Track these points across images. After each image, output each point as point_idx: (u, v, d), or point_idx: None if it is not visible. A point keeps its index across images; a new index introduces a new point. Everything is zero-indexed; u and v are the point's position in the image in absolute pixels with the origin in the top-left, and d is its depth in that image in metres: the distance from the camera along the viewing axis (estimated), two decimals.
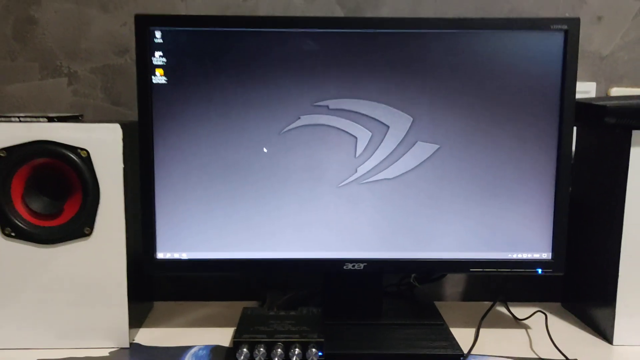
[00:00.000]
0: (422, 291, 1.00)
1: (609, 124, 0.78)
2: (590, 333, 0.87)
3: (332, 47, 0.80)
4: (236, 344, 0.73)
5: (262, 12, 0.99)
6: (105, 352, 0.79)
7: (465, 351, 0.79)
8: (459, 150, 0.82)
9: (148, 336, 0.85)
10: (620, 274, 0.81)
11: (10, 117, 0.77)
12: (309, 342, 0.74)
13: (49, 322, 0.79)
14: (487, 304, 0.95)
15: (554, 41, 0.80)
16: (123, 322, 0.79)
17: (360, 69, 0.80)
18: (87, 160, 0.76)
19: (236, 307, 0.89)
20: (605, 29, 1.02)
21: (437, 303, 0.96)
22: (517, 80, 0.81)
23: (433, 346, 0.79)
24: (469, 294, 1.05)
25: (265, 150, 0.81)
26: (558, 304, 0.99)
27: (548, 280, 1.01)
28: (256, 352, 0.72)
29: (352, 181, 0.82)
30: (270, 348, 0.73)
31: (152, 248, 0.82)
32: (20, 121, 0.76)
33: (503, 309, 0.96)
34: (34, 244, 0.77)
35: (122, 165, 0.77)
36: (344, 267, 0.84)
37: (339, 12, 1.00)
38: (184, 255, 0.83)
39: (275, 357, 0.72)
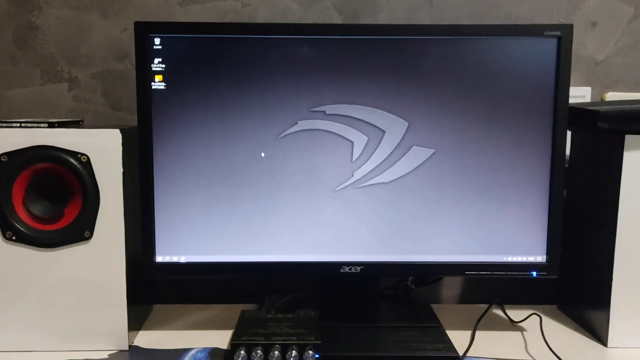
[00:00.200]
0: (419, 294, 1.01)
1: (602, 129, 0.79)
2: (585, 335, 0.88)
3: (329, 53, 0.81)
4: (234, 346, 0.74)
5: (260, 18, 1.00)
6: (104, 355, 0.80)
7: (461, 353, 0.80)
8: (454, 154, 0.83)
9: (147, 339, 0.86)
10: (614, 277, 0.82)
11: (12, 122, 0.78)
12: (306, 344, 0.74)
13: (49, 324, 0.79)
14: (484, 306, 0.96)
15: (547, 47, 0.81)
16: (122, 325, 0.80)
17: (356, 74, 0.81)
18: (87, 165, 0.77)
19: (235, 310, 0.90)
20: (600, 34, 1.03)
21: (434, 306, 0.97)
22: (511, 86, 0.82)
23: (429, 348, 0.80)
24: (466, 297, 1.06)
25: (262, 154, 0.83)
26: (554, 307, 1.00)
27: (544, 283, 1.02)
28: (253, 354, 0.73)
29: (348, 185, 0.83)
30: (267, 350, 0.74)
31: (152, 251, 0.83)
32: (21, 126, 0.77)
33: (499, 312, 0.96)
34: (35, 247, 0.78)
35: (121, 170, 0.78)
36: (341, 270, 0.85)
37: (336, 19, 1.01)
38: (183, 259, 0.84)
39: (272, 359, 0.73)
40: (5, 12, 0.99)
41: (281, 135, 0.82)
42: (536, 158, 0.83)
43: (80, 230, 0.78)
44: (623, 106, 0.80)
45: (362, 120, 0.82)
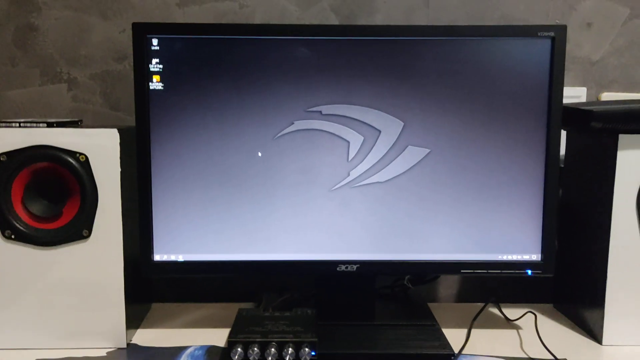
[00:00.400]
0: (416, 293, 1.02)
1: (596, 128, 0.80)
2: (580, 333, 0.89)
3: (325, 54, 0.82)
4: (231, 343, 0.75)
5: (258, 19, 1.01)
6: (102, 352, 0.80)
7: (457, 351, 0.80)
8: (449, 154, 0.83)
9: (145, 337, 0.86)
10: (608, 275, 0.83)
11: (11, 122, 0.79)
12: (303, 342, 0.75)
13: (47, 322, 0.80)
14: (480, 305, 0.97)
15: (542, 48, 0.81)
16: (120, 323, 0.81)
17: (352, 75, 0.82)
18: (86, 164, 0.78)
19: (232, 309, 0.90)
20: (595, 35, 1.04)
21: (430, 304, 0.97)
22: (505, 86, 0.82)
23: (425, 346, 0.80)
24: (463, 296, 1.07)
25: (259, 154, 0.83)
26: (550, 306, 1.00)
27: (540, 282, 1.03)
28: (250, 351, 0.74)
29: (344, 184, 0.84)
30: (264, 348, 0.75)
31: (149, 250, 0.84)
32: (20, 126, 0.78)
33: (495, 310, 0.97)
34: (34, 246, 0.78)
35: (119, 170, 0.79)
36: (337, 269, 0.85)
37: (333, 20, 1.02)
38: (181, 258, 0.85)
39: (269, 357, 0.74)
40: (5, 13, 1.00)
41: (278, 135, 0.83)
42: (531, 157, 0.84)
43: (79, 229, 0.79)
44: (616, 106, 0.81)
45: (358, 120, 0.83)
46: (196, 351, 0.82)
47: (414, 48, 0.82)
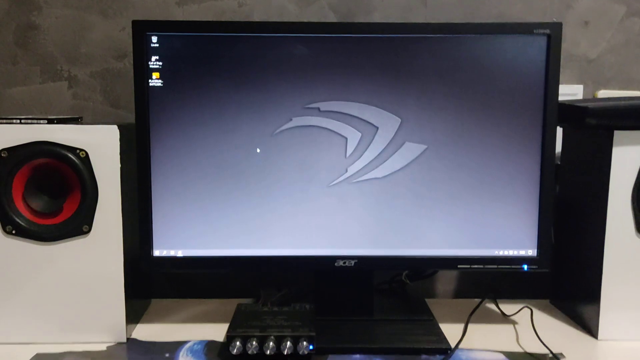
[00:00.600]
0: (414, 289, 1.03)
1: (591, 125, 0.81)
2: (577, 328, 0.90)
3: (323, 51, 0.82)
4: (229, 337, 0.76)
5: (256, 18, 1.02)
6: (102, 347, 0.81)
7: (453, 345, 0.81)
8: (446, 150, 0.84)
9: (145, 332, 0.87)
10: (604, 271, 0.83)
11: (12, 119, 0.79)
12: (301, 336, 0.76)
13: (48, 317, 0.81)
14: (477, 301, 0.97)
15: (537, 45, 0.82)
16: (120, 318, 0.82)
17: (350, 72, 0.83)
18: (86, 160, 0.79)
19: (231, 305, 0.91)
20: (592, 33, 1.05)
21: (428, 300, 0.98)
22: (502, 83, 0.83)
23: (422, 340, 0.81)
24: (460, 292, 1.07)
25: (258, 150, 0.84)
26: (546, 301, 1.01)
27: (536, 278, 1.03)
28: (249, 345, 0.75)
29: (342, 180, 0.85)
30: (262, 342, 0.75)
31: (149, 245, 0.85)
32: (21, 123, 0.79)
33: (492, 306, 0.98)
34: (34, 241, 0.79)
35: (119, 166, 0.79)
36: (335, 264, 0.86)
37: (332, 18, 1.02)
38: (180, 253, 0.86)
39: (267, 351, 0.74)
40: (6, 12, 1.01)
41: (276, 132, 0.84)
42: (527, 154, 0.84)
43: (79, 224, 0.79)
44: (611, 102, 0.81)
45: (356, 117, 0.84)
46: (195, 346, 0.83)
47: (410, 45, 0.82)
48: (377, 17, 1.03)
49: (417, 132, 0.84)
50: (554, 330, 0.89)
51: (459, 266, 0.86)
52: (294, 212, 0.85)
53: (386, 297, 0.98)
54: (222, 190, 0.85)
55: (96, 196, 0.79)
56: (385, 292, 1.01)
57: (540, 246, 0.86)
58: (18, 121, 0.79)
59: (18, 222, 0.78)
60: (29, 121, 0.79)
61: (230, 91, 0.83)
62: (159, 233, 0.85)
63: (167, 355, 0.79)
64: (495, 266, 0.86)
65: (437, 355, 0.79)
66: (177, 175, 0.84)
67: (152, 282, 1.02)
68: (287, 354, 0.75)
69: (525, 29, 0.82)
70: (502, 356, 0.80)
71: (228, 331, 0.77)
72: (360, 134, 0.84)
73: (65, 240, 0.79)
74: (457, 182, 0.85)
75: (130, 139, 0.83)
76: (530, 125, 0.84)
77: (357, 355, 0.79)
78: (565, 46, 1.03)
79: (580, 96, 1.05)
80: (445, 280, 1.07)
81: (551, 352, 0.79)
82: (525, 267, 0.86)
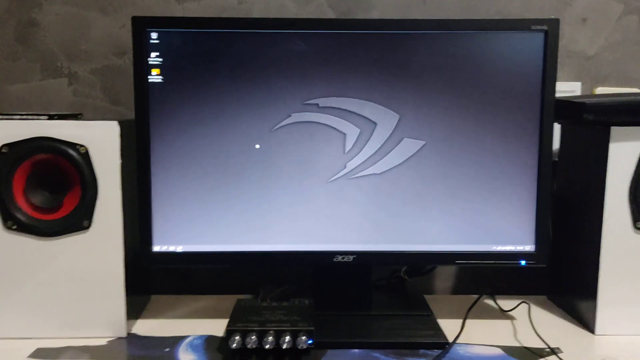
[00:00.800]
0: (412, 285, 1.03)
1: (588, 121, 0.81)
2: (574, 324, 0.90)
3: (322, 48, 0.83)
4: (229, 332, 0.76)
5: (256, 14, 1.02)
6: (103, 342, 0.82)
7: (451, 340, 0.81)
8: (444, 146, 0.85)
9: (145, 327, 0.88)
10: (601, 266, 0.84)
11: (12, 115, 0.80)
12: (300, 331, 0.76)
13: (48, 312, 0.81)
14: (475, 297, 0.98)
15: (535, 41, 0.83)
16: (120, 313, 0.82)
17: (348, 68, 0.83)
18: (86, 156, 0.79)
19: (231, 300, 0.91)
20: (590, 30, 1.05)
21: (426, 296, 0.99)
22: (499, 79, 0.84)
23: (420, 335, 0.82)
24: (459, 288, 1.08)
25: (257, 146, 0.85)
26: (544, 297, 1.02)
27: (534, 274, 1.04)
28: (248, 339, 0.75)
29: (341, 176, 0.85)
30: (261, 336, 0.76)
31: (149, 241, 0.85)
32: (21, 119, 0.79)
33: (490, 302, 0.98)
34: (35, 236, 0.80)
35: (119, 161, 0.80)
36: (334, 259, 0.86)
37: (330, 15, 1.03)
38: (180, 248, 0.86)
39: (266, 345, 0.75)
40: (7, 9, 1.01)
41: (275, 128, 0.84)
42: (524, 150, 0.85)
43: (79, 220, 0.80)
44: (608, 99, 0.82)
45: (355, 113, 0.84)
46: (195, 340, 0.83)
47: (408, 42, 0.83)
48: (375, 14, 1.03)
49: (415, 128, 0.84)
50: (551, 326, 0.89)
51: (457, 261, 0.87)
52: (293, 207, 0.86)
53: (385, 293, 0.99)
54: (222, 186, 0.85)
55: (96, 192, 0.80)
56: (384, 288, 1.01)
57: (537, 242, 0.86)
58: (18, 117, 0.79)
59: (19, 218, 0.79)
60: (30, 117, 0.79)
61: (230, 87, 0.83)
62: (158, 228, 0.85)
63: (167, 349, 0.80)
64: (493, 261, 0.87)
65: (435, 350, 0.79)
66: (176, 170, 0.85)
67: (151, 278, 1.02)
68: (286, 348, 0.75)
69: (522, 25, 0.83)
70: (499, 351, 0.80)
71: (227, 326, 0.77)
72: (359, 130, 0.84)
73: (66, 235, 0.80)
74: (455, 178, 0.85)
75: (130, 135, 0.83)
76: (527, 121, 0.84)
77: (356, 350, 0.79)
78: (563, 43, 1.03)
79: (578, 93, 1.05)
80: (444, 277, 1.08)
81: (548, 346, 0.80)
82: (523, 262, 0.87)
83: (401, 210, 0.86)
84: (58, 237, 0.80)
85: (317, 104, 0.84)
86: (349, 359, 0.77)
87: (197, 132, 0.84)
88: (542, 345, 0.81)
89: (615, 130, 0.80)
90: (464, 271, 1.08)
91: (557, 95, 0.84)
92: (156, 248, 0.86)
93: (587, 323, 0.87)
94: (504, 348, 0.81)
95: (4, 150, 0.78)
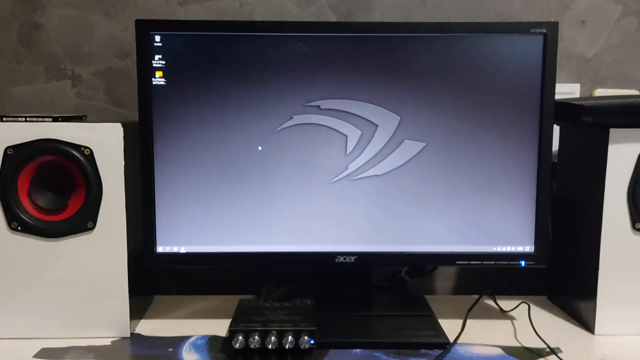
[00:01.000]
0: (413, 286, 1.04)
1: (587, 123, 0.82)
2: (574, 324, 0.91)
3: (323, 50, 0.84)
4: (232, 332, 0.77)
5: (257, 17, 1.03)
6: (107, 342, 0.82)
7: (452, 340, 0.82)
8: (444, 148, 0.85)
9: (148, 327, 0.88)
10: (600, 267, 0.84)
11: (17, 117, 0.81)
12: (302, 331, 0.77)
13: (53, 312, 0.82)
14: (476, 297, 0.98)
15: (534, 44, 0.83)
16: (124, 313, 0.83)
17: (350, 70, 0.84)
18: (90, 157, 0.80)
19: (233, 301, 0.92)
20: (589, 32, 1.06)
21: (427, 297, 0.99)
22: (499, 82, 0.84)
23: (420, 335, 0.83)
24: (459, 289, 1.09)
25: (259, 148, 0.85)
26: (544, 297, 1.02)
27: (534, 275, 1.05)
28: (251, 339, 0.76)
29: (342, 178, 0.86)
30: (264, 336, 0.76)
31: (152, 242, 0.86)
32: (26, 121, 0.80)
33: (490, 302, 0.99)
34: (40, 237, 0.80)
35: (123, 163, 0.80)
36: (336, 260, 0.87)
37: (332, 18, 1.04)
38: (183, 249, 0.87)
39: (269, 345, 0.76)
40: (10, 12, 1.02)
41: (277, 130, 0.85)
42: (524, 151, 0.86)
43: (84, 221, 0.80)
44: (607, 101, 0.83)
45: (356, 115, 0.85)
46: (198, 340, 0.84)
47: (409, 44, 0.84)
48: (376, 17, 1.04)
49: (416, 130, 0.85)
50: (551, 326, 0.90)
51: (457, 262, 0.88)
52: (294, 208, 0.86)
53: (386, 293, 1.00)
54: (224, 188, 0.86)
55: (100, 193, 0.80)
56: (385, 288, 1.02)
57: (537, 243, 0.87)
58: (23, 119, 0.80)
59: (23, 219, 0.79)
60: (34, 119, 0.80)
61: (232, 90, 0.84)
62: (162, 229, 0.86)
63: (170, 349, 0.81)
64: (493, 262, 0.88)
65: (436, 350, 0.80)
66: (179, 172, 0.85)
67: (154, 278, 1.03)
68: (288, 348, 0.76)
69: (522, 28, 0.84)
70: (500, 351, 0.81)
71: (230, 326, 0.78)
72: (360, 132, 0.85)
73: (70, 236, 0.81)
74: (456, 180, 0.86)
75: (133, 137, 0.84)
76: (527, 123, 0.85)
77: (358, 350, 0.80)
78: (562, 45, 1.04)
79: (577, 95, 1.06)
80: (444, 278, 1.09)
81: (548, 346, 0.81)
82: (523, 263, 0.87)
83: (402, 212, 0.87)
84: (62, 238, 0.81)
85: (319, 106, 0.85)
86: (351, 359, 0.78)
87: (199, 134, 0.85)
88: (542, 346, 0.81)
89: (614, 132, 0.81)
90: (464, 272, 1.08)
91: (557, 97, 0.85)
92: (160, 249, 0.87)
93: (586, 323, 0.88)
94: (504, 348, 0.82)
95: (9, 152, 0.79)
